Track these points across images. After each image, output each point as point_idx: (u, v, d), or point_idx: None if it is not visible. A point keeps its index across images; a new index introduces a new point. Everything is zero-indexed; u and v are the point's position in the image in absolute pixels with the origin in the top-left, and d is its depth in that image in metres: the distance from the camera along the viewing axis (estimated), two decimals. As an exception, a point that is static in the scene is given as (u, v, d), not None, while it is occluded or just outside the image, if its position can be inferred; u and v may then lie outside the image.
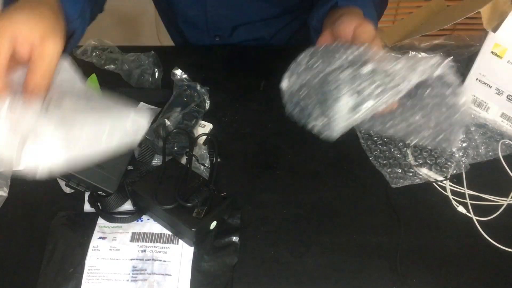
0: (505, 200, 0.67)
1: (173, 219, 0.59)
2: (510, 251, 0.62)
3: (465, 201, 0.67)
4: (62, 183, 0.64)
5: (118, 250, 0.60)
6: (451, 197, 0.67)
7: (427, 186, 0.69)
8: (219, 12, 0.89)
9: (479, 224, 0.64)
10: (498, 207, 0.66)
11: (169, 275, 0.58)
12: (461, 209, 0.66)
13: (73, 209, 0.65)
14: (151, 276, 0.58)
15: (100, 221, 0.62)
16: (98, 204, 0.63)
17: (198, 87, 0.76)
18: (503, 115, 0.75)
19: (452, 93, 0.53)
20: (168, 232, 0.62)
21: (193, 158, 0.67)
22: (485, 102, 0.76)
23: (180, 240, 0.61)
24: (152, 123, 0.72)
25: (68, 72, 0.56)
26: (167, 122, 0.70)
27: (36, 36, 0.48)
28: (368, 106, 0.50)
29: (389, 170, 0.70)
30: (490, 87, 0.73)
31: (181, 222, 0.58)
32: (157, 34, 1.71)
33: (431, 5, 0.87)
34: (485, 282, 0.59)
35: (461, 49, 0.86)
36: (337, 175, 0.70)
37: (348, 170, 0.71)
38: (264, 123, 0.77)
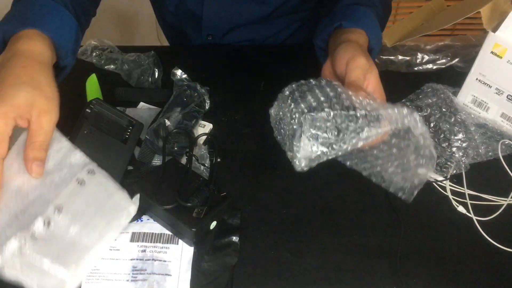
0: (505, 200, 0.67)
1: (173, 219, 0.59)
2: (510, 251, 0.62)
3: (465, 201, 0.67)
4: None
5: (118, 250, 0.60)
6: (451, 197, 0.67)
7: (427, 186, 0.69)
8: (215, 12, 0.88)
9: (479, 224, 0.64)
10: (498, 207, 0.66)
11: (169, 275, 0.58)
12: (461, 209, 0.66)
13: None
14: (151, 276, 0.58)
15: (100, 221, 0.62)
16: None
17: (198, 87, 0.76)
18: (503, 115, 0.75)
19: (419, 145, 0.55)
20: (168, 232, 0.62)
21: (193, 158, 0.67)
22: (485, 102, 0.76)
23: (180, 240, 0.61)
24: (152, 123, 0.72)
25: (60, 142, 0.61)
26: (167, 122, 0.70)
27: (34, 114, 0.54)
28: (321, 151, 0.54)
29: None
30: (490, 87, 0.73)
31: (181, 222, 0.58)
32: (157, 34, 1.71)
33: (431, 6, 0.87)
34: (485, 282, 0.59)
35: (467, 49, 0.86)
36: (337, 175, 0.70)
37: (348, 170, 0.71)
38: (264, 123, 0.76)
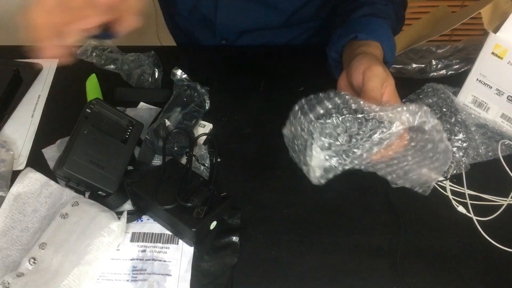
0: (505, 200, 0.67)
1: (173, 219, 0.59)
2: (510, 251, 0.62)
3: (465, 201, 0.67)
4: (62, 183, 0.64)
5: (118, 250, 0.60)
6: (451, 197, 0.67)
7: (427, 186, 0.69)
8: (229, 17, 0.88)
9: (479, 224, 0.64)
10: (498, 207, 0.66)
11: (169, 275, 0.58)
12: (461, 209, 0.66)
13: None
14: (151, 276, 0.58)
15: (100, 221, 0.62)
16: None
17: (198, 87, 0.76)
18: (503, 116, 0.75)
19: (433, 138, 0.54)
20: (168, 232, 0.62)
21: (193, 158, 0.67)
22: (485, 103, 0.75)
23: (180, 240, 0.61)
24: (152, 123, 0.72)
25: (49, 186, 0.64)
26: (167, 122, 0.70)
27: None
28: (336, 160, 0.53)
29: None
30: (491, 87, 0.73)
31: (181, 222, 0.58)
32: (157, 34, 1.70)
33: (435, 13, 0.86)
34: (485, 282, 0.59)
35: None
36: (337, 175, 0.69)
37: (348, 170, 0.71)
38: (264, 123, 0.77)
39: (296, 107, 0.56)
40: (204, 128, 0.74)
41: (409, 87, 0.81)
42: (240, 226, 0.63)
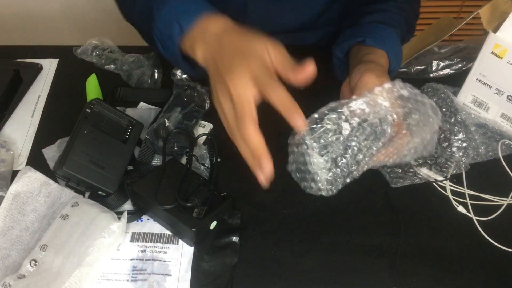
0: (505, 200, 0.67)
1: (173, 219, 0.59)
2: (510, 251, 0.62)
3: (465, 201, 0.67)
4: (62, 183, 0.64)
5: (118, 250, 0.60)
6: (451, 197, 0.67)
7: (427, 186, 0.69)
8: (257, 22, 0.88)
9: (479, 224, 0.64)
10: (498, 207, 0.66)
11: (169, 275, 0.58)
12: (461, 209, 0.66)
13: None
14: (151, 276, 0.58)
15: (100, 221, 0.62)
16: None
17: (198, 87, 0.76)
18: (503, 115, 0.75)
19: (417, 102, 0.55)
20: (168, 232, 0.62)
21: (193, 158, 0.67)
22: (485, 102, 0.75)
23: (180, 240, 0.61)
24: (152, 123, 0.72)
25: (49, 186, 0.64)
26: (167, 122, 0.70)
27: (267, 49, 0.52)
28: (341, 164, 0.54)
29: (389, 170, 0.70)
30: (490, 87, 0.73)
31: (181, 222, 0.58)
32: (157, 34, 1.71)
33: (440, 23, 0.86)
34: (485, 282, 0.59)
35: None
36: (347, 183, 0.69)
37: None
38: (264, 123, 0.76)
39: (290, 141, 0.56)
40: (204, 128, 0.74)
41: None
42: (240, 226, 0.63)
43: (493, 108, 0.75)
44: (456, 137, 0.73)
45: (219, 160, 0.69)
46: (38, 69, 0.84)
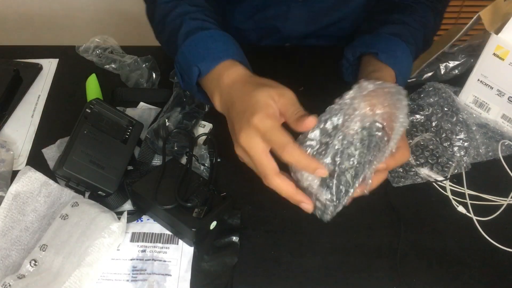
0: (505, 200, 0.67)
1: (173, 219, 0.59)
2: (510, 251, 0.62)
3: (465, 201, 0.67)
4: (62, 183, 0.64)
5: (118, 250, 0.60)
6: (451, 197, 0.67)
7: (427, 186, 0.69)
8: (297, 25, 0.89)
9: (479, 224, 0.64)
10: (498, 207, 0.66)
11: (169, 275, 0.58)
12: (461, 209, 0.66)
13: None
14: (151, 276, 0.58)
15: (100, 221, 0.62)
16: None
17: (198, 87, 0.76)
18: (503, 116, 0.74)
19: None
20: (168, 232, 0.62)
21: (193, 158, 0.67)
22: (486, 103, 0.75)
23: (180, 240, 0.61)
24: (152, 123, 0.72)
25: (49, 186, 0.64)
26: (167, 122, 0.70)
27: (278, 101, 0.53)
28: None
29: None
30: (492, 88, 0.73)
31: (181, 222, 0.58)
32: (157, 34, 1.71)
33: (449, 33, 0.85)
34: (485, 282, 0.59)
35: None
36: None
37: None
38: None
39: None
40: (204, 128, 0.74)
41: (410, 86, 0.81)
42: (240, 226, 0.63)
43: (494, 109, 0.75)
44: (458, 137, 0.73)
45: (219, 160, 0.69)
46: (38, 69, 0.84)
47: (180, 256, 0.60)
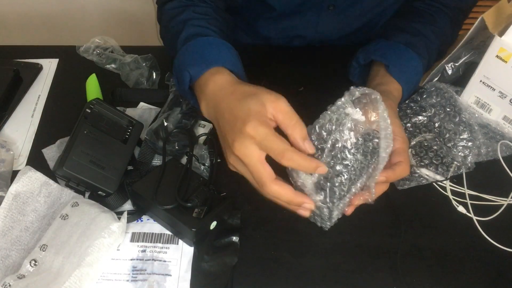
0: (505, 200, 0.67)
1: (173, 219, 0.59)
2: (510, 251, 0.62)
3: (465, 201, 0.67)
4: (62, 183, 0.64)
5: (118, 250, 0.60)
6: (451, 197, 0.67)
7: (427, 186, 0.69)
8: (326, 32, 0.89)
9: (479, 224, 0.64)
10: (498, 207, 0.66)
11: (169, 275, 0.58)
12: (461, 209, 0.66)
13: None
14: (151, 276, 0.58)
15: (100, 221, 0.62)
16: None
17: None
18: (505, 118, 0.74)
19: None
20: (168, 232, 0.62)
21: (193, 158, 0.67)
22: (487, 104, 0.75)
23: (180, 240, 0.61)
24: (152, 123, 0.72)
25: (49, 186, 0.64)
26: (167, 122, 0.70)
27: (270, 110, 0.53)
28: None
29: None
30: (494, 89, 0.73)
31: (181, 222, 0.58)
32: (157, 34, 1.71)
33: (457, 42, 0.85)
34: (485, 282, 0.59)
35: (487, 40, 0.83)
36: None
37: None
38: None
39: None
40: (204, 128, 0.74)
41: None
42: (240, 226, 0.63)
43: (496, 110, 0.75)
44: (461, 137, 0.72)
45: (219, 160, 0.69)
46: (38, 69, 0.84)
47: (180, 256, 0.60)
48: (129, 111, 0.76)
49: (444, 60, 0.78)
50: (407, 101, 0.78)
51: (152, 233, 0.61)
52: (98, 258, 0.56)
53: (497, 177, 0.70)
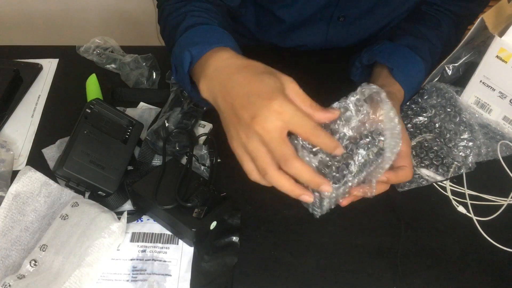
0: (505, 200, 0.67)
1: (173, 219, 0.59)
2: (510, 251, 0.62)
3: (465, 201, 0.67)
4: (62, 183, 0.64)
5: (118, 250, 0.60)
6: (451, 197, 0.67)
7: (427, 186, 0.69)
8: (336, 42, 0.88)
9: (479, 224, 0.64)
10: (498, 207, 0.66)
11: (169, 275, 0.58)
12: (461, 209, 0.66)
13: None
14: (151, 276, 0.58)
15: (100, 221, 0.62)
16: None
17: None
18: (505, 118, 0.74)
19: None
20: (168, 232, 0.62)
21: (193, 158, 0.67)
22: (487, 104, 0.75)
23: (180, 240, 0.61)
24: (152, 123, 0.72)
25: (49, 186, 0.64)
26: (167, 122, 0.70)
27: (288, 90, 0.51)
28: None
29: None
30: (494, 90, 0.73)
31: (181, 222, 0.58)
32: (157, 34, 1.71)
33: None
34: (485, 282, 0.59)
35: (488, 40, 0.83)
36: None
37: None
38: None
39: None
40: (204, 128, 0.74)
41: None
42: (240, 226, 0.63)
43: (496, 110, 0.75)
44: (462, 137, 0.72)
45: (219, 160, 0.69)
46: (38, 69, 0.84)
47: (180, 256, 0.60)
48: (129, 111, 0.76)
49: (444, 61, 0.78)
50: (408, 103, 0.78)
51: (152, 233, 0.61)
52: (98, 258, 0.56)
53: (497, 177, 0.70)
